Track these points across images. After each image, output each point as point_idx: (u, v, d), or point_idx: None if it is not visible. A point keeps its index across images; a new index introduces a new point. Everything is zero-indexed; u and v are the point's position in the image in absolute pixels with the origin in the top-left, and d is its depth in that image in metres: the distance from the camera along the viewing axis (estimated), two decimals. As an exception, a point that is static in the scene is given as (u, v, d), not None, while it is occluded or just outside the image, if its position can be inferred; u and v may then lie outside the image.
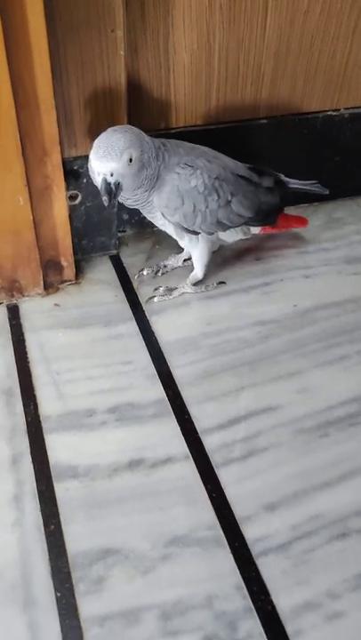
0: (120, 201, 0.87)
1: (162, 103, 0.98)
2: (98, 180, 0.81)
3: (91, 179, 0.94)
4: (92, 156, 0.81)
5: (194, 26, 0.91)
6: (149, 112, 0.98)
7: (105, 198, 0.81)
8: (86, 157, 0.92)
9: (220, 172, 0.90)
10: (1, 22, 0.71)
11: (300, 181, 1.02)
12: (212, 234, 0.93)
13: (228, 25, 0.93)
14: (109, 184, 0.80)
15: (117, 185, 0.80)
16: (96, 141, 0.80)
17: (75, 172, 0.93)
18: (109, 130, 0.81)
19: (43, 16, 0.74)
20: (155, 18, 0.89)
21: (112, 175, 0.79)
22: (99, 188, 0.81)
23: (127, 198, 0.87)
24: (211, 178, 0.88)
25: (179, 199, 0.87)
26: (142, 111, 0.97)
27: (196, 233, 0.92)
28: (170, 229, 0.94)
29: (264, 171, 0.97)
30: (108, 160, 0.79)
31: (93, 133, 0.90)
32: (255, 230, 1.02)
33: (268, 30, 0.95)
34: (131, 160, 0.79)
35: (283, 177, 0.99)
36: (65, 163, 0.90)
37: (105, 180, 0.79)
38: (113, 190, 0.80)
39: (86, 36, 0.82)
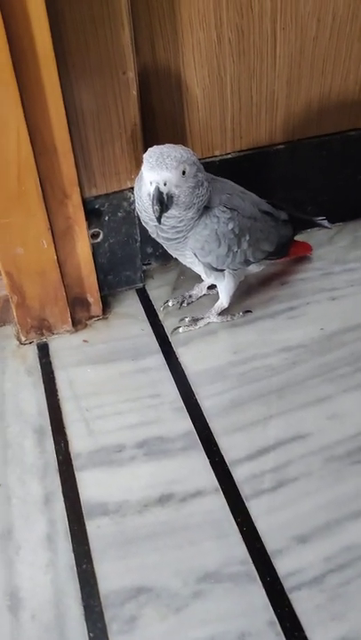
0: (150, 231, 0.87)
1: (178, 137, 0.99)
2: (150, 190, 0.77)
3: (112, 216, 0.97)
4: (144, 167, 0.77)
5: (204, 62, 0.92)
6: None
7: (156, 208, 0.76)
8: (107, 196, 0.95)
9: (252, 210, 0.89)
10: (15, 76, 0.74)
11: (307, 216, 1.03)
12: (237, 270, 0.93)
13: (238, 57, 0.94)
14: (162, 193, 0.76)
15: (170, 197, 0.76)
16: (148, 153, 0.77)
17: (96, 211, 0.95)
18: (164, 145, 0.79)
19: (55, 65, 0.77)
20: (165, 57, 0.91)
21: (165, 185, 0.76)
22: (150, 199, 0.77)
23: (165, 230, 0.83)
24: (244, 218, 0.87)
25: (216, 242, 0.85)
26: (159, 146, 0.99)
27: (222, 270, 0.92)
28: (197, 268, 0.93)
29: (277, 204, 0.97)
30: (161, 169, 0.75)
31: (112, 172, 0.93)
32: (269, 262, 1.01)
33: (278, 59, 0.96)
34: (184, 173, 0.76)
35: (294, 212, 1.00)
36: (86, 202, 0.92)
37: (158, 189, 0.75)
38: (165, 201, 0.76)
39: (99, 80, 0.84)
